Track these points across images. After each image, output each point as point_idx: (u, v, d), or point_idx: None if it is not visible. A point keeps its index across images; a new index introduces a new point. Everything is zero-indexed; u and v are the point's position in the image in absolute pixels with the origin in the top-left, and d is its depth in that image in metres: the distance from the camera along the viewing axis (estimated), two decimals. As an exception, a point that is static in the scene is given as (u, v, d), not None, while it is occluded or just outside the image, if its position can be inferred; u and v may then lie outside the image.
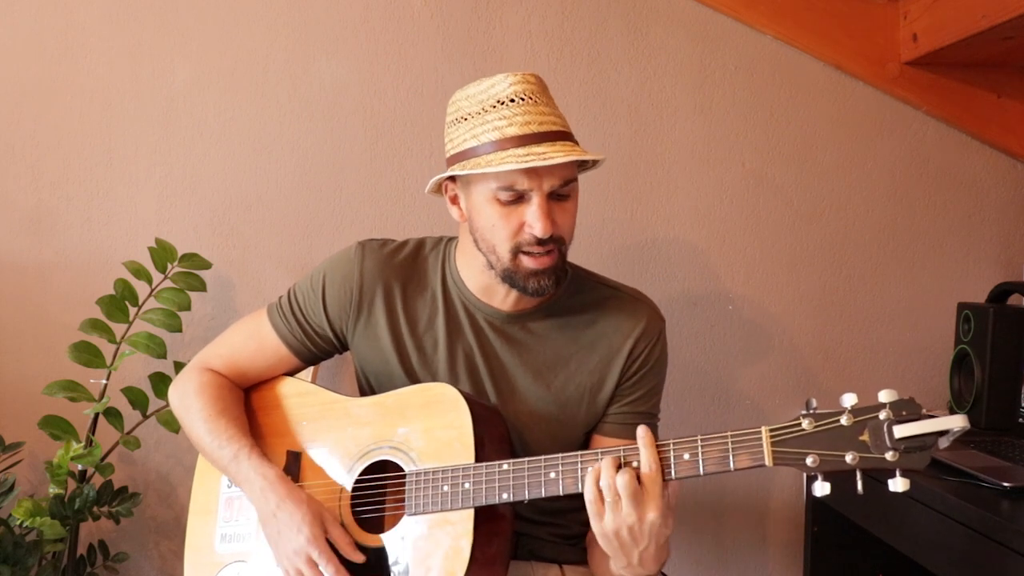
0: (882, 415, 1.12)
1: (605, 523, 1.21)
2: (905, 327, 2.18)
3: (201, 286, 1.92)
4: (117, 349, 1.87)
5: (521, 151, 1.30)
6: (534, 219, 1.33)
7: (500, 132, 1.32)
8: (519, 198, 1.33)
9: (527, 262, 1.36)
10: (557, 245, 1.36)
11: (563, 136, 1.34)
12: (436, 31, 2.05)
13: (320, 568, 1.33)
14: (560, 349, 1.47)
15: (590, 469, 1.23)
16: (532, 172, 1.31)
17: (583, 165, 1.44)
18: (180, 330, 1.89)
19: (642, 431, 1.23)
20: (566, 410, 1.47)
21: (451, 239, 1.53)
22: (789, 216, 2.15)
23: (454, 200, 1.44)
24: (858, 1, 2.10)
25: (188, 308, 1.89)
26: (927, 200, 2.18)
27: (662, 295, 2.05)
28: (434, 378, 1.47)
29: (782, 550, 2.18)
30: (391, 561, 1.34)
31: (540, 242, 1.34)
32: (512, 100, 1.34)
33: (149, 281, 1.88)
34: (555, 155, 1.29)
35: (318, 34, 2.03)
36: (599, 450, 1.26)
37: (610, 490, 1.20)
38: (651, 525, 1.20)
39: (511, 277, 1.37)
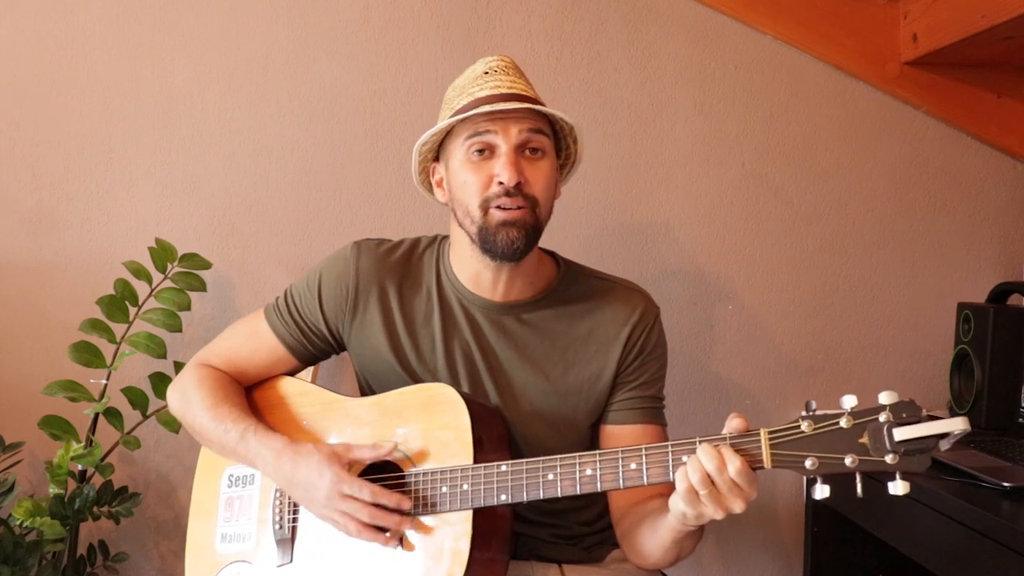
0: (882, 417, 1.11)
1: (706, 511, 1.18)
2: (905, 327, 2.18)
3: (201, 286, 1.92)
4: (117, 349, 1.87)
5: (489, 106, 1.36)
6: (501, 168, 1.36)
7: (472, 96, 1.39)
8: (489, 153, 1.37)
9: (496, 214, 1.37)
10: (529, 204, 1.38)
11: (530, 100, 1.39)
12: (436, 31, 2.05)
13: (358, 497, 1.31)
14: (556, 340, 1.48)
15: (685, 459, 1.18)
16: (499, 119, 1.36)
17: (569, 161, 1.50)
18: (180, 330, 1.89)
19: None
20: (566, 401, 1.47)
21: (445, 237, 1.54)
22: (789, 216, 2.15)
23: (440, 183, 1.47)
24: (858, 1, 2.10)
25: (188, 308, 1.89)
26: (927, 200, 2.17)
27: (662, 295, 2.05)
28: (432, 376, 1.47)
29: (782, 550, 2.18)
30: (390, 562, 1.33)
31: (508, 193, 1.36)
32: (486, 73, 1.42)
33: (149, 281, 1.89)
34: (519, 104, 1.36)
35: (318, 34, 2.03)
36: (596, 451, 1.26)
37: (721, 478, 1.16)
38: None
39: (484, 237, 1.38)
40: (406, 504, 1.32)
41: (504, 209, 1.36)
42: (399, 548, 1.33)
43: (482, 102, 1.37)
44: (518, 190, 1.36)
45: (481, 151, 1.38)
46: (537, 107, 1.37)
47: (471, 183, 1.38)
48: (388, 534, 1.32)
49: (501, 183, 1.36)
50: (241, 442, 1.42)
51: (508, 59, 1.45)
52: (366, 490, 1.31)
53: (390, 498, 1.31)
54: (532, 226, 1.39)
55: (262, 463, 1.41)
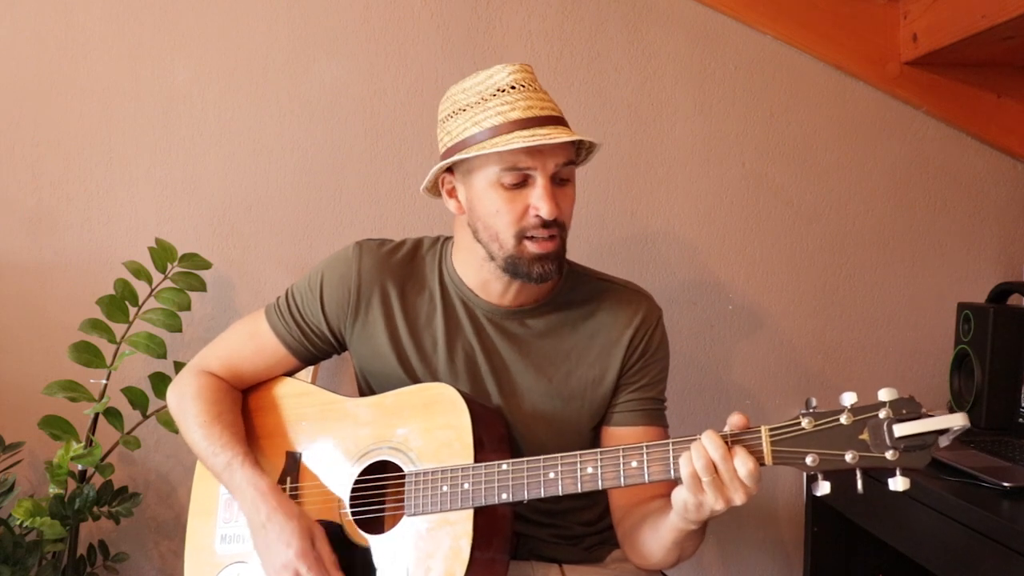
0: (882, 414, 1.12)
1: (707, 500, 1.18)
2: (905, 327, 2.18)
3: (201, 286, 1.92)
4: (117, 349, 1.87)
5: (526, 132, 1.32)
6: (540, 200, 1.34)
7: (503, 116, 1.34)
8: (522, 182, 1.35)
9: (531, 247, 1.36)
10: (560, 230, 1.38)
11: (562, 122, 1.38)
12: (436, 31, 2.05)
13: None
14: (559, 343, 1.47)
15: (684, 454, 1.18)
16: (536, 153, 1.33)
17: (577, 156, 1.46)
18: (180, 330, 1.89)
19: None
20: (569, 404, 1.47)
21: (448, 238, 1.53)
22: (789, 216, 2.15)
23: (451, 193, 1.44)
24: (858, 1, 2.10)
25: (188, 308, 1.89)
26: (927, 200, 2.18)
27: (662, 295, 2.04)
28: (434, 377, 1.47)
29: (782, 550, 2.18)
30: (391, 562, 1.34)
31: (545, 224, 1.35)
32: (513, 87, 1.36)
33: (149, 281, 1.88)
34: (560, 135, 1.32)
35: (318, 34, 2.03)
36: (598, 450, 1.26)
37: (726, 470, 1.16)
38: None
39: (514, 265, 1.38)
40: None
41: (539, 241, 1.36)
42: (408, 529, 1.33)
43: (518, 125, 1.33)
44: (552, 221, 1.35)
45: (516, 180, 1.35)
46: (577, 138, 1.34)
47: (505, 212, 1.35)
48: None
49: (538, 216, 1.34)
50: (226, 470, 1.42)
51: (529, 69, 1.40)
52: None
53: None
54: (562, 253, 1.40)
55: (240, 497, 1.41)
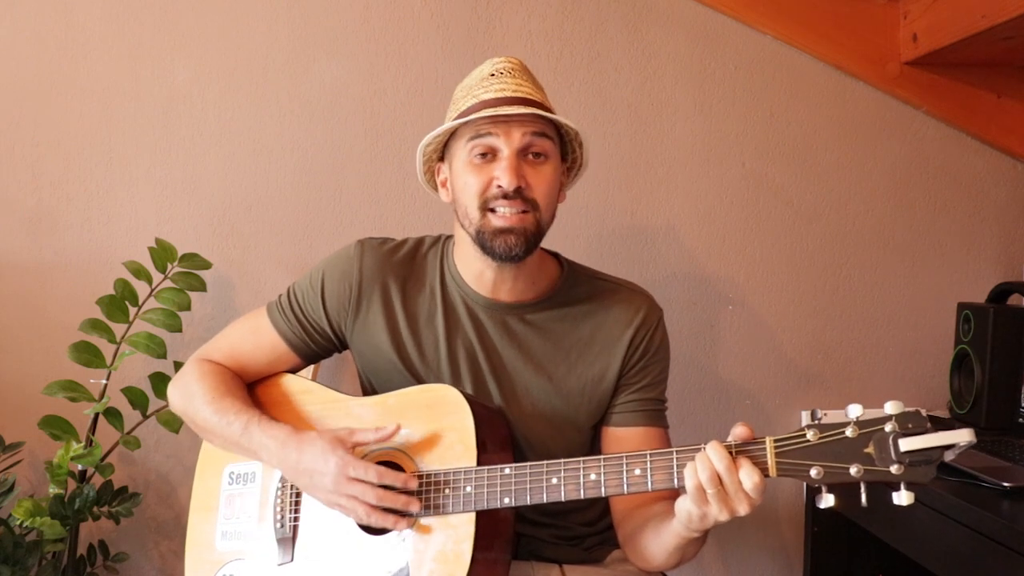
0: (888, 427, 1.11)
1: (711, 511, 1.18)
2: (905, 327, 2.18)
3: (201, 286, 1.92)
4: (117, 349, 1.87)
5: (491, 110, 1.35)
6: (501, 171, 1.36)
7: (476, 98, 1.39)
8: (491, 156, 1.37)
9: (493, 220, 1.37)
10: (530, 208, 1.38)
11: (535, 104, 1.39)
12: (436, 31, 2.05)
13: (364, 479, 1.31)
14: (560, 341, 1.47)
15: (689, 464, 1.18)
16: (501, 123, 1.35)
17: (575, 165, 1.49)
18: (180, 330, 1.89)
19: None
20: (569, 402, 1.47)
21: (449, 237, 1.54)
22: (789, 216, 2.15)
23: (444, 183, 1.47)
24: (858, 1, 2.10)
25: (188, 308, 1.89)
26: (927, 200, 2.18)
27: (662, 295, 2.04)
28: (435, 375, 1.47)
29: (782, 550, 2.18)
30: (392, 563, 1.34)
31: (507, 196, 1.36)
32: (492, 75, 1.41)
33: (149, 281, 1.88)
34: (523, 108, 1.35)
35: (318, 34, 2.03)
36: (600, 456, 1.26)
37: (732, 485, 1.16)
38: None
39: (481, 239, 1.38)
40: (412, 483, 1.32)
41: (501, 215, 1.36)
42: (409, 531, 1.33)
43: (486, 105, 1.36)
44: (518, 194, 1.36)
45: (484, 154, 1.37)
46: (538, 112, 1.36)
47: (471, 185, 1.38)
48: (397, 517, 1.32)
49: (500, 186, 1.36)
50: (244, 434, 1.42)
51: (516, 61, 1.45)
52: (371, 471, 1.31)
53: (396, 478, 1.31)
54: (532, 232, 1.39)
55: (266, 453, 1.41)
